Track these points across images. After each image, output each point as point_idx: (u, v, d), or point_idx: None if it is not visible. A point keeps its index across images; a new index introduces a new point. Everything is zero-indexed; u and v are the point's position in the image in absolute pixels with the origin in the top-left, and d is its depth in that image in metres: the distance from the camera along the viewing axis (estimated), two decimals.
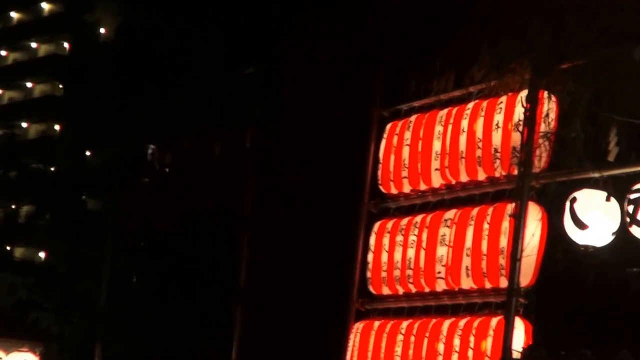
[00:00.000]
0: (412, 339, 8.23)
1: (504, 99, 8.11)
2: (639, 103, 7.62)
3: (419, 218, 8.54)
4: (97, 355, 18.65)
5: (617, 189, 7.36)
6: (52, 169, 27.02)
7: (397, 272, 8.57)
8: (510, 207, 7.90)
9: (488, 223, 8.02)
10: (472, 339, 7.83)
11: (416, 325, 8.28)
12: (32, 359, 17.51)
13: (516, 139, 7.96)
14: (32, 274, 23.29)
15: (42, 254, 34.78)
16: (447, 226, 8.22)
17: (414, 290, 8.51)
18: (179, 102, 13.80)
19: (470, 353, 7.85)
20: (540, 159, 7.86)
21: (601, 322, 8.95)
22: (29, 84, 45.60)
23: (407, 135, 8.92)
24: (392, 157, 8.98)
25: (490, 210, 7.95)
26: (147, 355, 17.54)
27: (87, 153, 21.95)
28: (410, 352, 8.18)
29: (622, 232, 7.33)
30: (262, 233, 12.75)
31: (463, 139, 8.35)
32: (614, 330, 8.51)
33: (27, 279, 21.86)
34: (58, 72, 43.00)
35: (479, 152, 8.14)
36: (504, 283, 7.76)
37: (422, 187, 8.73)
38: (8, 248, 33.31)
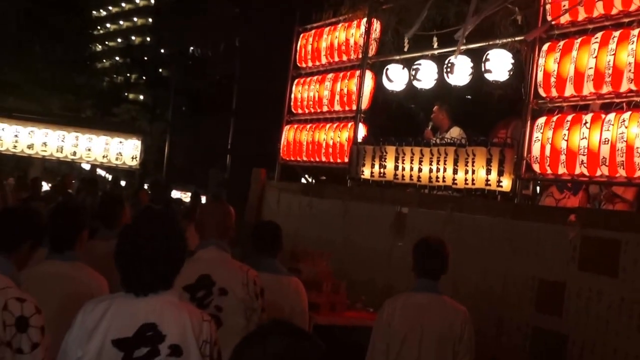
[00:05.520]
0: None
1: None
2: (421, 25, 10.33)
3: None
4: (167, 144, 28.74)
5: (408, 64, 11.10)
6: None
7: None
8: (356, 74, 12.04)
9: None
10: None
11: None
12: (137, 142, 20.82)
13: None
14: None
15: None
16: None
17: None
18: None
19: (334, 141, 12.55)
20: (372, 49, 12.05)
21: (400, 126, 13.42)
22: None
23: (310, 40, 13.80)
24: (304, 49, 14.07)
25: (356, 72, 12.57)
26: (197, 146, 31.05)
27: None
28: None
29: (410, 84, 11.13)
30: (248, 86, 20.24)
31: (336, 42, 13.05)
32: (404, 131, 11.82)
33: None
34: None
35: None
36: (354, 107, 12.12)
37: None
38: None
